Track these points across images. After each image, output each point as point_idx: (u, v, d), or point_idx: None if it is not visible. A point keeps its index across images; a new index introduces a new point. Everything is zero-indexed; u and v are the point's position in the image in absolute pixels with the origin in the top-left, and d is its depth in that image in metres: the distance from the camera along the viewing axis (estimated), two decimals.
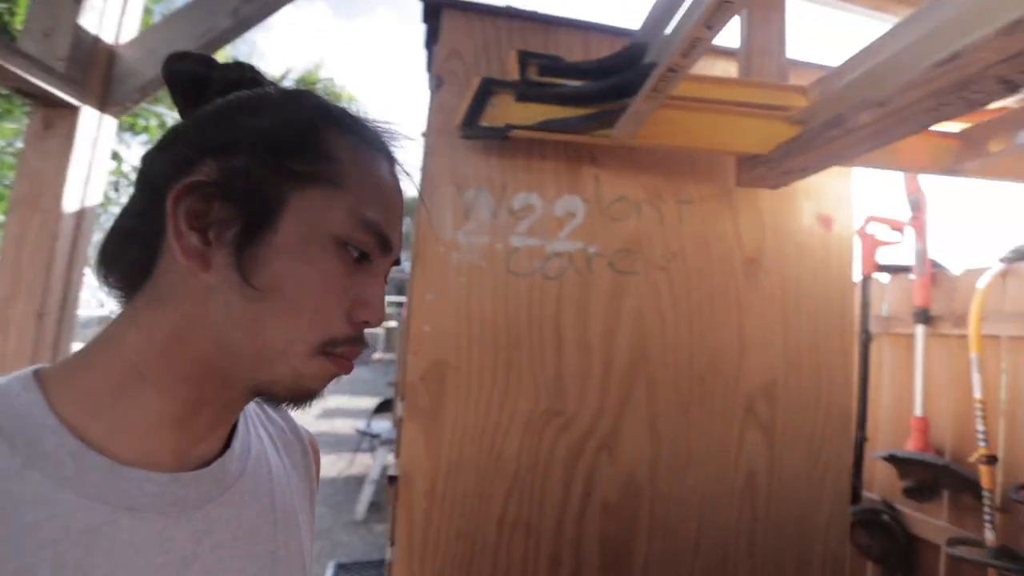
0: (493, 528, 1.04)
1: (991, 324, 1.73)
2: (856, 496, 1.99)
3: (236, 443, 0.40)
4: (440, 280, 1.04)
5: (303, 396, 0.37)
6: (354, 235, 0.36)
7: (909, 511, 1.91)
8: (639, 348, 1.10)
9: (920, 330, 1.91)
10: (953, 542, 1.67)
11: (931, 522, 1.84)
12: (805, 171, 0.97)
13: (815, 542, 1.16)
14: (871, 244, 2.10)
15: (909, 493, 1.83)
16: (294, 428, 0.50)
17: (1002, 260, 1.74)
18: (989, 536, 1.61)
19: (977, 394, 1.68)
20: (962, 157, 1.06)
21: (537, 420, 1.05)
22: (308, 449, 0.49)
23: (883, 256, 2.10)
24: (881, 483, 2.07)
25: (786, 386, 1.16)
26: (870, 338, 2.09)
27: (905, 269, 2.05)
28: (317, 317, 0.35)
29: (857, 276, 2.14)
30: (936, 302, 1.92)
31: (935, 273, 1.94)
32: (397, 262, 0.41)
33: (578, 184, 1.10)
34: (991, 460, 1.64)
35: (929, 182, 1.95)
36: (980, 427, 1.67)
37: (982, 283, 1.73)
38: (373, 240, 0.36)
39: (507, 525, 1.04)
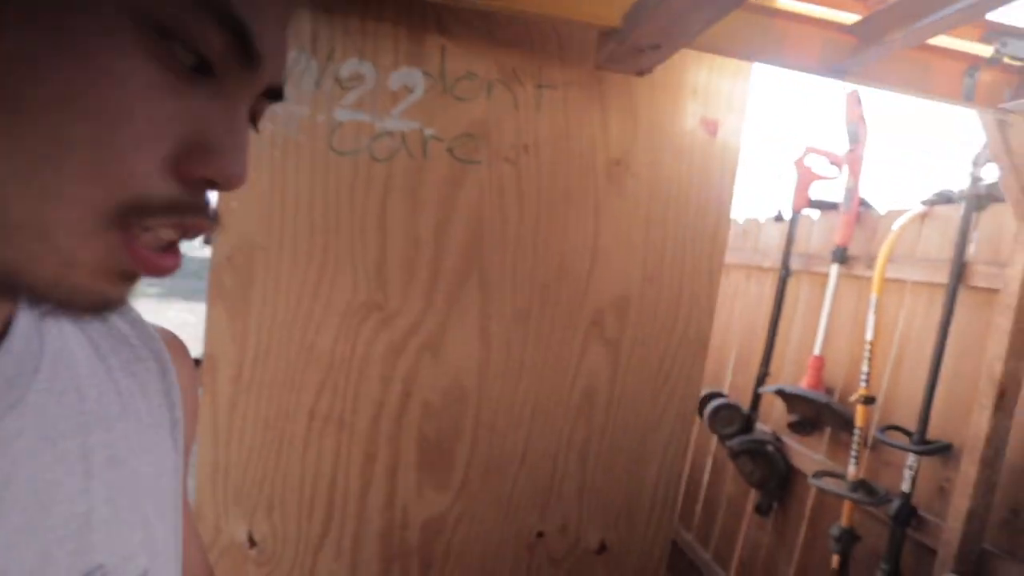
0: (304, 419, 0.99)
1: (901, 268, 1.67)
2: (749, 427, 2.03)
3: (13, 343, 0.28)
4: (252, 153, 0.92)
5: (82, 303, 0.23)
6: (181, 19, 0.21)
7: (793, 444, 1.95)
8: (475, 246, 1.01)
9: (835, 269, 1.85)
10: (819, 474, 1.71)
11: (809, 455, 1.88)
12: (658, 49, 0.84)
13: (651, 463, 1.15)
14: (806, 177, 1.98)
15: (793, 427, 1.85)
16: (145, 336, 0.36)
17: (923, 203, 1.65)
18: (852, 471, 1.64)
19: (868, 336, 1.65)
20: (857, 52, 0.93)
21: (355, 312, 0.98)
22: (167, 366, 0.37)
23: (817, 191, 1.99)
24: (776, 417, 2.10)
25: (640, 302, 1.09)
26: (789, 274, 2.03)
27: (835, 206, 1.96)
28: (108, 163, 0.21)
29: (787, 211, 2.05)
30: (855, 242, 1.84)
31: (860, 212, 1.85)
32: (277, 94, 0.27)
33: (420, 54, 0.96)
34: (868, 400, 1.64)
35: (873, 114, 1.81)
36: (864, 368, 1.65)
37: (897, 225, 1.65)
38: (219, 35, 0.22)
39: (319, 417, 1.00)
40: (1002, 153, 1.25)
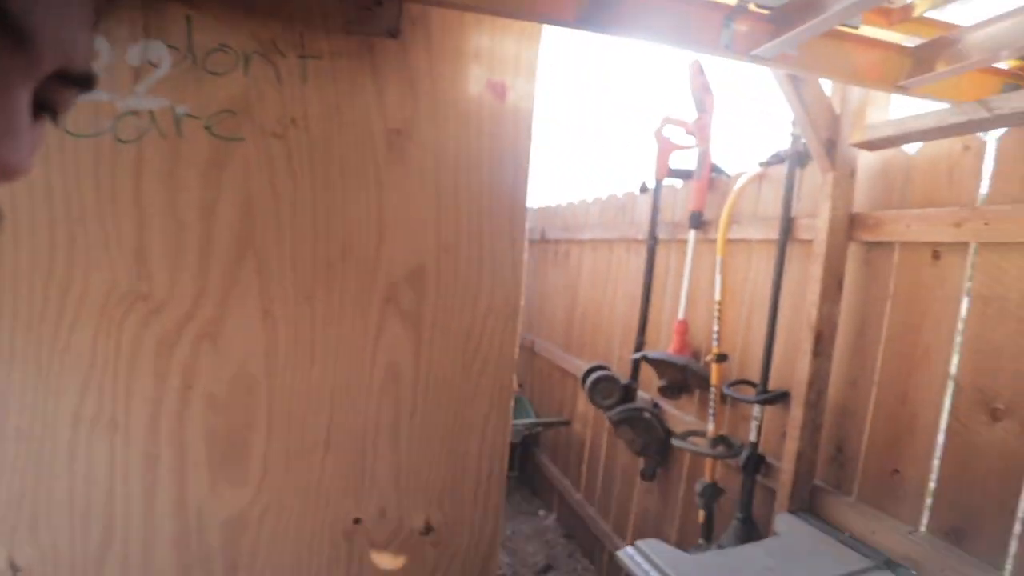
0: (66, 426, 0.92)
1: (745, 228, 1.74)
2: (630, 397, 2.06)
3: None
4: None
5: None
6: None
7: (668, 408, 2.00)
8: (246, 227, 0.96)
9: (692, 235, 1.90)
10: (684, 434, 1.76)
11: (681, 417, 1.93)
12: (380, 5, 0.82)
13: (471, 437, 1.14)
14: (666, 147, 2.03)
15: (663, 392, 1.89)
16: None
17: (760, 164, 1.71)
18: (711, 428, 1.69)
19: (716, 296, 1.71)
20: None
21: (116, 305, 0.92)
22: None
23: (677, 161, 2.05)
24: (655, 385, 2.14)
25: (438, 274, 1.08)
26: (656, 243, 2.08)
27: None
28: None
29: (651, 181, 2.10)
30: (709, 207, 1.90)
31: (713, 178, 1.91)
32: (82, 80, 0.25)
33: (163, 26, 0.90)
34: (721, 358, 1.70)
35: (717, 80, 1.86)
36: (715, 328, 1.71)
37: (737, 186, 1.71)
38: None
39: (85, 421, 0.93)
40: (798, 107, 1.31)
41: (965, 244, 1.19)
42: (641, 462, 2.08)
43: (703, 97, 1.85)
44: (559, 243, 2.99)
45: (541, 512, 2.88)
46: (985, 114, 1.05)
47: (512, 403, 1.16)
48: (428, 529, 1.14)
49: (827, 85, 1.36)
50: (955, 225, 1.17)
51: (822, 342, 1.39)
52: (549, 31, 1.12)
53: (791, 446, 1.42)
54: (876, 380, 1.36)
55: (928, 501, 1.23)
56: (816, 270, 1.38)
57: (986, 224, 1.11)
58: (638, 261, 2.36)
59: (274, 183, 0.97)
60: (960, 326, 1.20)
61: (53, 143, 0.87)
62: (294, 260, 0.99)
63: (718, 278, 1.69)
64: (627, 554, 1.14)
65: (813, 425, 1.41)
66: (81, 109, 0.88)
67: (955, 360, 1.20)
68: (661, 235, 2.07)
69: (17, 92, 0.23)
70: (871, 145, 1.31)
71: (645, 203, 2.30)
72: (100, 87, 0.88)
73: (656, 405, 2.04)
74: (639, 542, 1.16)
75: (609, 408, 2.03)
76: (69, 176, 0.88)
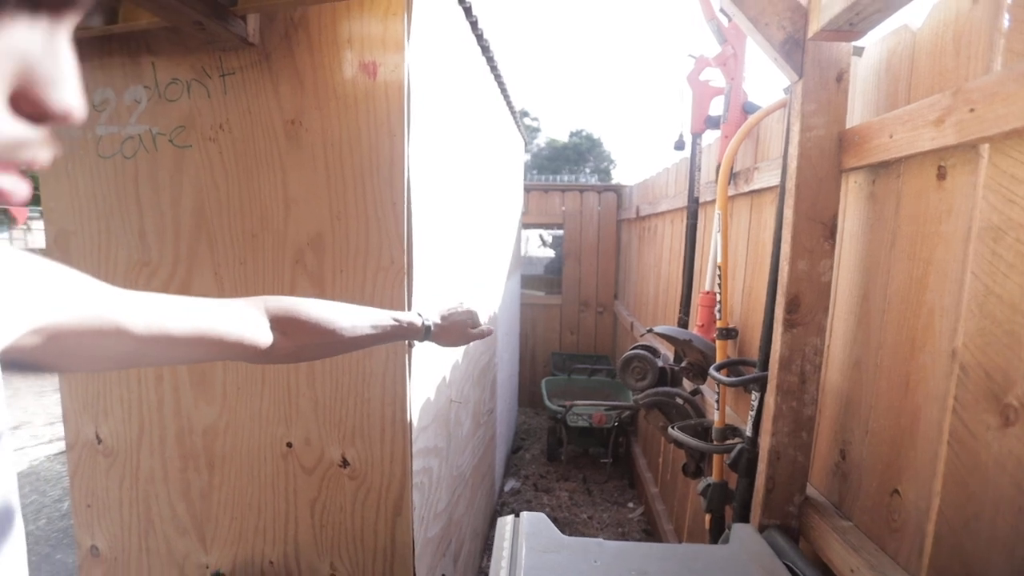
0: None
1: (766, 175, 1.39)
2: (671, 379, 1.86)
3: None
4: (60, 167, 1.37)
5: None
6: None
7: (708, 396, 1.71)
8: (200, 212, 1.29)
9: (718, 189, 1.59)
10: (693, 426, 1.50)
11: (712, 402, 1.64)
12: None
13: (374, 384, 1.26)
14: (703, 94, 1.74)
15: (685, 372, 1.64)
16: None
17: (785, 91, 1.35)
18: (716, 417, 1.42)
19: (717, 258, 1.41)
20: None
21: (132, 269, 1.35)
22: None
23: (716, 108, 1.73)
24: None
25: (334, 238, 1.23)
26: (697, 206, 1.80)
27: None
28: None
29: (688, 136, 1.83)
30: (745, 155, 1.56)
31: (745, 119, 1.56)
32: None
33: (139, 72, 1.29)
34: (727, 334, 1.41)
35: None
36: (718, 297, 1.42)
37: (747, 123, 1.39)
38: None
39: None
40: (736, 9, 1.04)
41: (973, 148, 0.79)
42: (684, 456, 1.83)
43: (719, 26, 1.54)
44: (648, 219, 2.76)
45: (631, 504, 2.71)
46: None
47: (408, 357, 1.24)
48: (345, 462, 1.31)
49: None
50: (936, 123, 0.79)
51: (799, 309, 1.06)
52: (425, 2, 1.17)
53: (764, 442, 1.13)
54: (879, 362, 0.98)
55: (929, 540, 0.85)
56: (788, 213, 1.07)
57: (972, 111, 0.73)
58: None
59: (214, 176, 1.27)
60: (968, 276, 0.79)
61: (93, 164, 1.34)
62: (231, 233, 1.28)
63: (717, 237, 1.40)
64: (501, 521, 1.10)
65: (795, 417, 1.09)
66: (104, 139, 1.32)
67: (961, 330, 0.80)
68: (703, 197, 1.78)
69: (66, 36, 0.24)
70: (834, 34, 0.95)
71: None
72: (113, 123, 1.31)
73: (697, 391, 1.77)
74: (524, 513, 1.10)
75: (642, 391, 1.85)
76: (101, 186, 1.34)
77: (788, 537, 1.06)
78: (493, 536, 2.48)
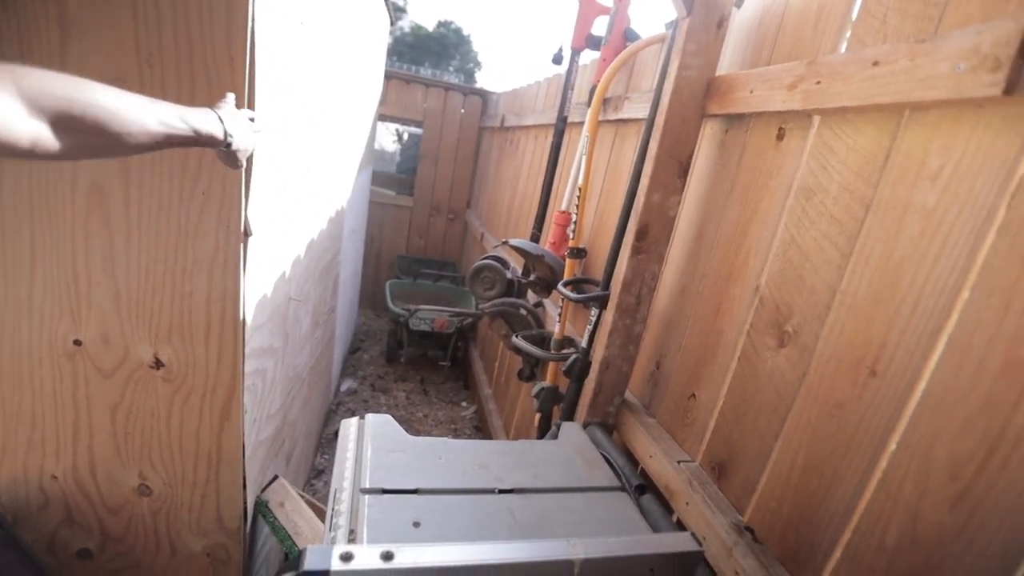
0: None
1: (637, 106, 1.44)
2: (516, 291, 1.93)
3: None
4: None
5: None
6: None
7: (549, 308, 1.85)
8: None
9: (590, 113, 1.62)
10: (535, 335, 1.62)
11: (556, 316, 1.78)
12: None
13: (199, 276, 1.08)
14: (589, 9, 1.69)
15: (532, 286, 1.74)
16: None
17: (667, 26, 1.38)
18: (556, 329, 1.54)
19: (579, 181, 1.47)
20: None
21: None
22: None
23: (600, 28, 1.71)
24: None
25: (142, 88, 0.96)
26: (565, 125, 1.81)
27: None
28: None
29: (567, 51, 1.79)
30: (619, 82, 1.59)
31: (625, 45, 1.58)
32: None
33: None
34: (576, 253, 1.50)
35: None
36: (574, 218, 1.49)
37: (625, 52, 1.40)
38: None
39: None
40: None
41: (809, 117, 0.90)
42: (521, 362, 1.99)
43: None
44: (512, 130, 2.73)
45: (464, 403, 2.92)
46: None
47: (243, 247, 1.08)
48: (158, 363, 1.13)
49: None
50: (790, 87, 0.87)
51: (647, 238, 1.16)
52: None
53: (599, 353, 1.26)
54: (700, 290, 1.13)
55: (709, 432, 1.06)
56: (652, 147, 1.13)
57: (818, 83, 0.82)
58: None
59: None
60: (781, 227, 0.94)
61: None
62: None
63: (582, 160, 1.45)
64: (345, 423, 1.08)
65: (627, 333, 1.23)
66: None
67: (766, 270, 0.96)
68: (573, 117, 1.80)
69: None
70: None
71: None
72: None
73: (539, 304, 1.90)
74: (369, 415, 1.10)
75: (489, 300, 1.92)
76: None
77: (605, 432, 1.24)
78: (327, 434, 2.46)
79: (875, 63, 0.72)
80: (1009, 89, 0.57)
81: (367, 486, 0.85)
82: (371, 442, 1.00)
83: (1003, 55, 0.57)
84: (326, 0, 1.50)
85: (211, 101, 0.97)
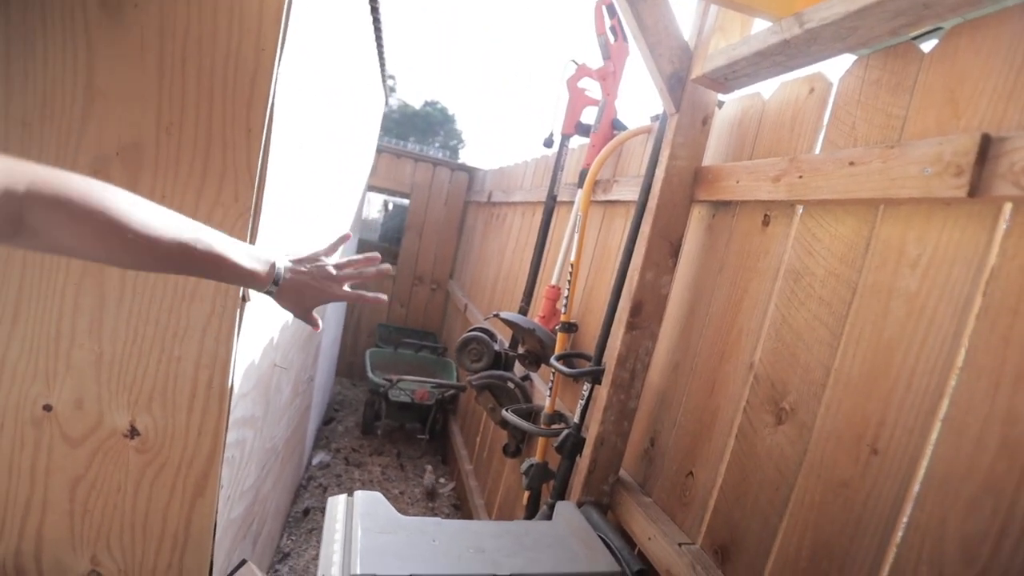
0: None
1: (624, 189, 1.54)
2: (504, 364, 1.92)
3: None
4: None
5: None
6: None
7: (537, 382, 1.84)
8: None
9: (579, 194, 1.71)
10: (525, 410, 1.60)
11: (545, 391, 1.77)
12: None
13: (190, 340, 1.05)
14: (578, 100, 1.84)
15: (521, 359, 1.73)
16: None
17: (652, 119, 1.50)
18: (547, 403, 1.53)
19: (571, 257, 1.52)
20: None
21: None
22: None
23: (590, 117, 1.85)
24: None
25: (158, 155, 0.98)
26: (555, 204, 1.90)
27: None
28: None
29: (558, 135, 1.92)
30: (607, 166, 1.70)
31: (615, 134, 1.70)
32: None
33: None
34: (568, 328, 1.52)
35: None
36: (565, 293, 1.53)
37: (614, 140, 1.51)
38: None
39: None
40: (636, 30, 1.11)
41: (792, 207, 0.97)
42: (506, 437, 1.94)
43: (608, 42, 1.65)
44: (499, 206, 2.84)
45: (442, 480, 2.78)
46: (797, 30, 0.83)
47: (239, 312, 1.06)
48: (133, 432, 1.07)
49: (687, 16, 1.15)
50: (774, 180, 0.95)
51: (641, 314, 1.20)
52: None
53: (594, 430, 1.25)
54: (694, 367, 1.16)
55: (709, 512, 1.03)
56: (645, 229, 1.19)
57: (800, 177, 0.89)
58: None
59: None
60: (772, 307, 0.98)
61: None
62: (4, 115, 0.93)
63: (574, 237, 1.51)
64: (332, 500, 1.02)
65: (622, 408, 1.23)
66: None
67: (759, 347, 0.99)
68: (562, 196, 1.89)
69: None
70: (711, 82, 1.09)
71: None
72: None
73: (527, 377, 1.88)
74: (358, 492, 1.04)
75: (476, 372, 1.90)
76: None
77: (600, 511, 1.20)
78: (295, 512, 2.30)
79: (851, 163, 0.80)
80: (972, 192, 0.63)
81: (358, 572, 0.80)
82: (360, 522, 0.94)
83: (964, 163, 0.64)
84: (336, 76, 1.59)
85: (224, 168, 1.00)
